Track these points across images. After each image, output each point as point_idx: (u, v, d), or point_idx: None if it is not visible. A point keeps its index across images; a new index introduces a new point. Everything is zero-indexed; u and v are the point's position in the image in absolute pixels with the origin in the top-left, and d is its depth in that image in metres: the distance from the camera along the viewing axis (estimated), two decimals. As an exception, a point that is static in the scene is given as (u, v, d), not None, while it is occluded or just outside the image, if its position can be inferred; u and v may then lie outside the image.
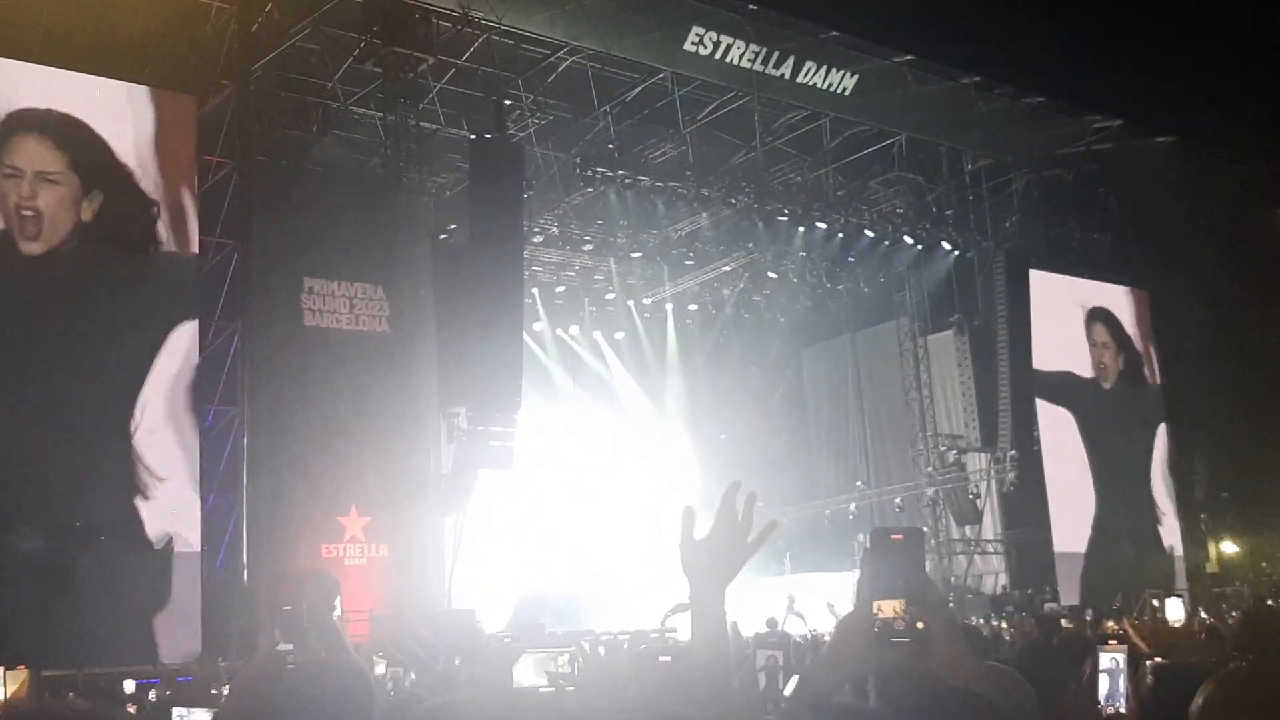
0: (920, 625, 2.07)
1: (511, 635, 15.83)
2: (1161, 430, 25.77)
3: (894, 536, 2.18)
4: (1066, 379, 24.35)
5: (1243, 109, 22.05)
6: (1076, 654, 3.52)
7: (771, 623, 16.07)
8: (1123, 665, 3.47)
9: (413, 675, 9.76)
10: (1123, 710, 3.35)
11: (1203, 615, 15.37)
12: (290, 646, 3.00)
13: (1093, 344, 25.01)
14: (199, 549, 14.64)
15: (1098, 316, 25.11)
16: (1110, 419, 24.88)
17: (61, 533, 13.55)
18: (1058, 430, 23.92)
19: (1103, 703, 3.33)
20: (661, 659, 3.40)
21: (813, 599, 18.41)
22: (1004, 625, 15.99)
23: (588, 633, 17.25)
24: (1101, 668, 3.38)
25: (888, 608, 2.09)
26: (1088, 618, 15.88)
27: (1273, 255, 26.83)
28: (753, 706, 2.36)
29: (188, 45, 15.80)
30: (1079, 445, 24.12)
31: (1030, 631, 12.58)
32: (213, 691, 8.20)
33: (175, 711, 5.39)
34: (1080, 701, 3.31)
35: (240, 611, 14.14)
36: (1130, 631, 9.55)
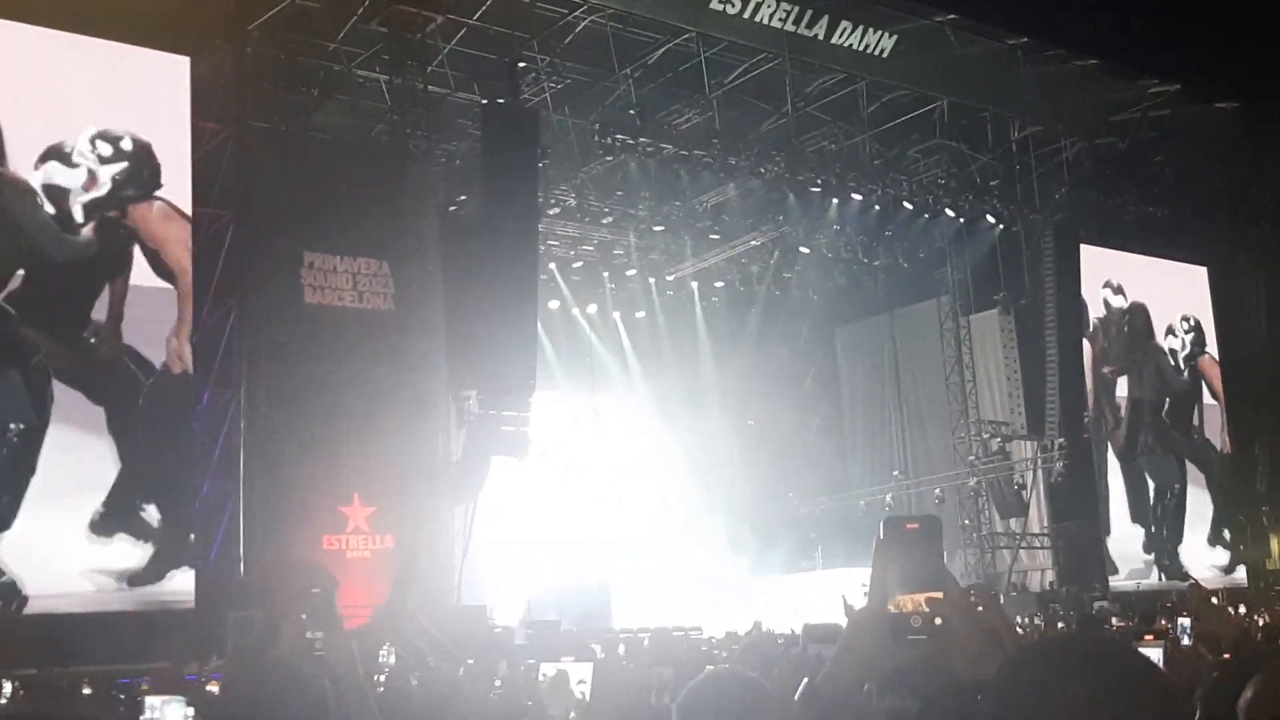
0: (939, 621, 2.02)
1: (525, 635, 15.63)
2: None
3: (910, 525, 2.16)
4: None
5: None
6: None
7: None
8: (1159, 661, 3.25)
9: (415, 679, 9.24)
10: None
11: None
12: (320, 634, 3.04)
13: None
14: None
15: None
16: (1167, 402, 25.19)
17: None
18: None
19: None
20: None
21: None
22: (1035, 622, 15.68)
23: (606, 630, 17.14)
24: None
25: (906, 603, 2.07)
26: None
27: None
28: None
29: (180, 3, 15.68)
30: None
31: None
32: (208, 688, 7.91)
33: (148, 701, 5.43)
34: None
35: (241, 604, 14.01)
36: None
